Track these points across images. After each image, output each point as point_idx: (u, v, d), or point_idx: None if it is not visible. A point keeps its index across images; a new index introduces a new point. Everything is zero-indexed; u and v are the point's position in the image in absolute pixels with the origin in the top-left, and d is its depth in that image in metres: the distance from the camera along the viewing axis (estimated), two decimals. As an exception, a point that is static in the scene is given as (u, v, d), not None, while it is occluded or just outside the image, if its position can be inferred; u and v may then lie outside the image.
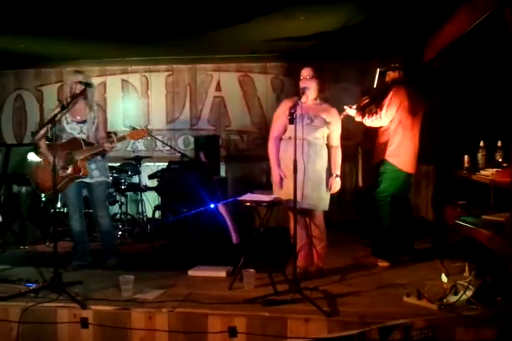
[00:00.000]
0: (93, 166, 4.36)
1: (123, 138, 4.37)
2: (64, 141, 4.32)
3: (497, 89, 4.46)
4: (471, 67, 4.80)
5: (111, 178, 5.14)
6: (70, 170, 4.25)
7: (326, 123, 4.03)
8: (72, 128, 4.33)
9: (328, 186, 4.04)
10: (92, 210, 4.64)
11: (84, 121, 4.35)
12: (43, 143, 4.34)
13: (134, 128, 4.46)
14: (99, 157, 4.41)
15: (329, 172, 4.07)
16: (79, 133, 4.33)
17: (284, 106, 4.05)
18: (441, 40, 4.91)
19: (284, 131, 4.07)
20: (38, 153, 4.40)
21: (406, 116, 4.41)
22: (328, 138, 4.10)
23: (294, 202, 3.57)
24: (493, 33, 4.05)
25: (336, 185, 4.05)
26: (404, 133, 4.43)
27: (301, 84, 4.01)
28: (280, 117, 4.07)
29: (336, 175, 4.05)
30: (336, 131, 4.12)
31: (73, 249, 4.61)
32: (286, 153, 3.97)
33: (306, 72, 4.04)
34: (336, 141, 4.14)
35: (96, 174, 4.38)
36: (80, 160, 4.24)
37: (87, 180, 4.36)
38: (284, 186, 3.99)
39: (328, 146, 4.10)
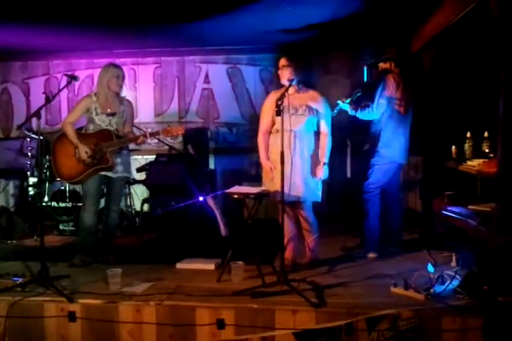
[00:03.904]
0: (118, 160, 4.29)
1: (157, 133, 4.32)
2: (91, 131, 4.26)
3: (483, 80, 4.47)
4: (458, 57, 4.80)
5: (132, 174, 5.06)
6: (97, 161, 4.18)
7: (313, 111, 3.99)
8: (100, 119, 4.24)
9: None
10: (105, 204, 4.48)
11: (113, 114, 4.27)
12: (70, 130, 4.21)
13: (168, 124, 4.40)
14: (124, 151, 4.37)
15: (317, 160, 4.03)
16: (107, 126, 4.25)
17: (271, 98, 4.03)
18: (429, 30, 4.91)
19: (273, 124, 4.05)
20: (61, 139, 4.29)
21: (398, 107, 4.39)
22: (317, 125, 4.06)
23: (281, 194, 3.56)
24: (480, 24, 4.05)
25: (323, 172, 4.01)
26: (396, 124, 4.41)
27: (280, 74, 4.01)
28: (268, 111, 4.04)
29: (324, 163, 4.01)
30: (324, 118, 4.05)
31: (79, 244, 4.31)
32: (274, 147, 3.96)
33: (281, 62, 4.03)
34: (325, 128, 4.06)
35: (120, 169, 4.30)
36: (109, 152, 4.18)
37: (109, 174, 4.26)
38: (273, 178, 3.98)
39: (318, 134, 4.06)
